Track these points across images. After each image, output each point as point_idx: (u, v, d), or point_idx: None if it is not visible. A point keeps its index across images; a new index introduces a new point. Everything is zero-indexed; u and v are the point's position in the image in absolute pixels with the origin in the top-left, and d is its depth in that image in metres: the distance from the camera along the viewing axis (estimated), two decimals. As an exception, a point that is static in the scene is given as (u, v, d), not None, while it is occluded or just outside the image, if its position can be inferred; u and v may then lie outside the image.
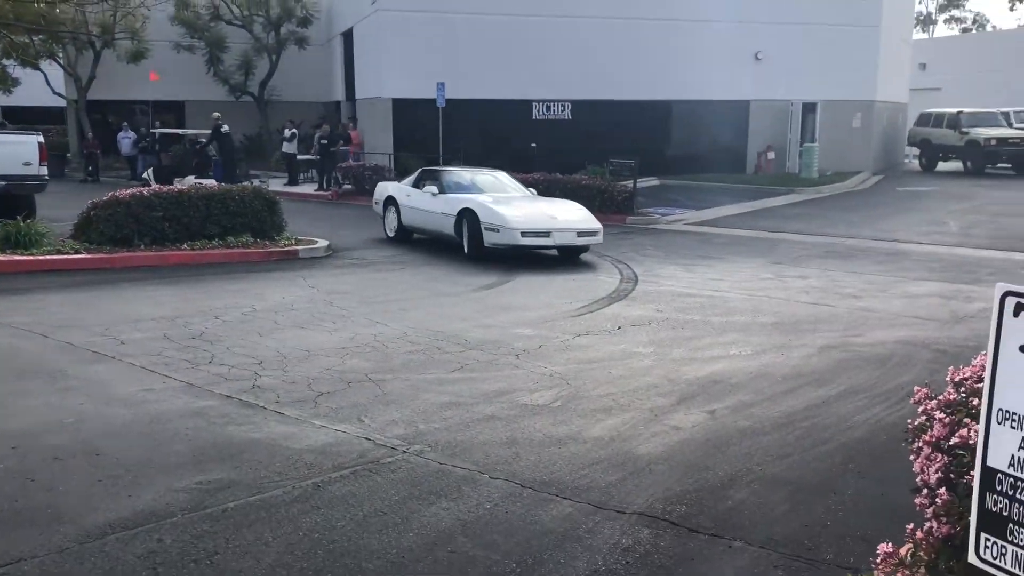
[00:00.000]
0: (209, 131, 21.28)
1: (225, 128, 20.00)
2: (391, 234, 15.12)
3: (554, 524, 4.14)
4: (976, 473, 2.19)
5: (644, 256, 13.78)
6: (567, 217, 13.05)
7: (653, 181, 25.48)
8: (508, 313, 9.28)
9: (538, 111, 26.70)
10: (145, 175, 21.40)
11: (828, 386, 6.71)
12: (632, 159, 20.91)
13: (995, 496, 2.13)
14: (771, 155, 28.42)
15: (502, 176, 15.02)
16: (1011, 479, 2.10)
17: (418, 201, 14.27)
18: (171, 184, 18.22)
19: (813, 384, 6.76)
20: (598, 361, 7.34)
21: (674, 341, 8.18)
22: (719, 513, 4.33)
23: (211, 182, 17.37)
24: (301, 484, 4.47)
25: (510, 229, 12.40)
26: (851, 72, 28.70)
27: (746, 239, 16.24)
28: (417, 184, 14.73)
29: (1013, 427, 2.07)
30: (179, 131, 23.13)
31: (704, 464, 4.99)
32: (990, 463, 2.15)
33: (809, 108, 28.70)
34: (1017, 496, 2.08)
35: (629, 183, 19.53)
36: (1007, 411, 2.08)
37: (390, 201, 15.22)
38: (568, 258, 13.18)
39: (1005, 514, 2.11)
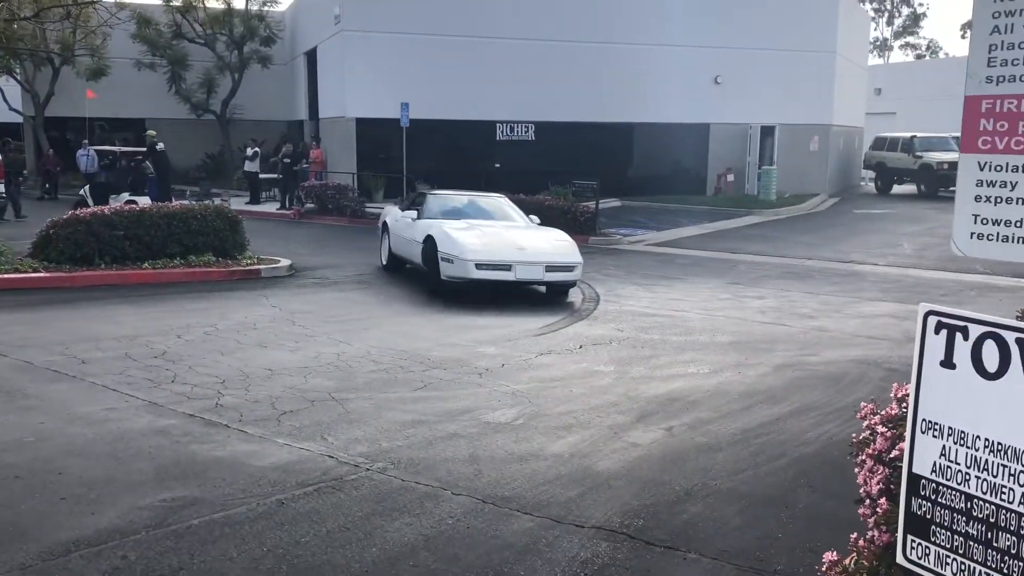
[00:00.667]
0: (144, 149, 21.13)
1: (160, 146, 19.96)
2: (384, 262, 14.00)
3: (514, 538, 4.23)
4: (903, 479, 2.33)
5: (606, 276, 13.96)
6: (539, 248, 11.49)
7: (615, 202, 25.80)
8: (471, 332, 9.37)
9: (502, 132, 26.92)
10: (82, 192, 21.14)
11: (783, 403, 6.88)
12: (594, 180, 21.18)
13: (919, 500, 2.28)
14: (730, 177, 28.92)
15: (502, 202, 13.69)
16: (933, 484, 2.25)
17: (401, 227, 13.16)
18: (106, 201, 18.12)
19: (768, 402, 6.93)
20: (559, 379, 7.46)
21: (634, 360, 8.32)
22: (675, 527, 4.45)
23: (146, 200, 17.28)
24: (265, 501, 4.51)
25: (464, 260, 11.03)
26: (808, 96, 29.37)
27: (705, 260, 16.52)
28: (405, 208, 13.76)
29: (935, 436, 2.21)
30: (113, 148, 22.96)
31: (661, 479, 5.12)
32: (915, 470, 2.30)
33: (767, 131, 29.29)
34: (939, 500, 2.23)
35: (592, 204, 19.77)
36: (929, 421, 2.23)
37: (384, 227, 14.16)
38: (551, 294, 11.86)
39: (928, 517, 2.25)
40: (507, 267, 11.09)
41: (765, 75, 28.68)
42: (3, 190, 19.54)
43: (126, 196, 18.46)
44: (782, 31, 28.77)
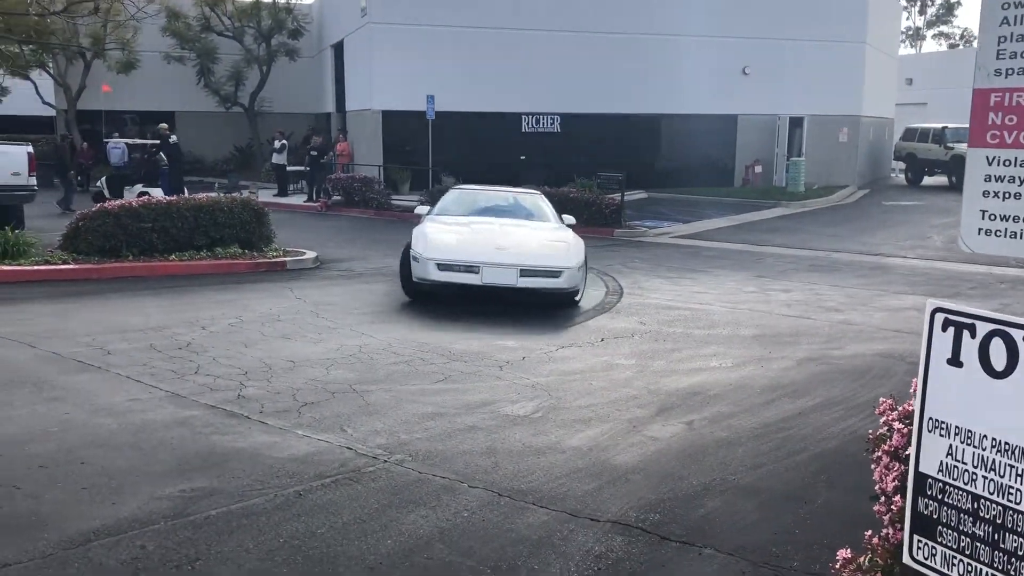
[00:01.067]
0: (157, 141, 21.42)
1: (173, 138, 20.26)
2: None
3: (529, 532, 4.23)
4: (909, 479, 2.30)
5: (630, 269, 13.91)
6: (524, 249, 10.05)
7: (641, 194, 25.67)
8: (493, 325, 9.38)
9: (527, 124, 26.87)
10: (99, 183, 21.50)
11: (805, 398, 6.82)
12: (621, 172, 21.09)
13: (926, 500, 2.25)
14: (758, 169, 28.67)
15: (532, 199, 12.20)
16: (940, 484, 2.21)
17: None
18: (121, 193, 18.45)
19: (790, 396, 6.87)
20: (580, 373, 7.45)
21: (656, 353, 8.29)
22: (691, 521, 4.43)
23: (158, 191, 17.54)
24: (283, 492, 4.55)
25: (425, 260, 9.87)
26: (838, 87, 29.02)
27: (732, 252, 16.40)
28: (422, 202, 13.25)
29: (941, 435, 2.18)
30: (127, 140, 23.34)
31: (679, 474, 5.10)
32: (922, 469, 2.27)
33: (796, 122, 29.00)
34: (945, 500, 2.20)
35: (617, 196, 19.69)
36: (936, 420, 2.20)
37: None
38: (562, 304, 10.39)
39: (935, 517, 2.22)
40: (473, 269, 9.69)
41: (794, 65, 28.39)
42: (35, 182, 19.82)
43: (139, 188, 18.73)
44: (811, 21, 28.44)
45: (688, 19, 27.14)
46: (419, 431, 5.66)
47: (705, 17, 27.29)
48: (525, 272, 9.82)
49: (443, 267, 9.85)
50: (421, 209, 12.26)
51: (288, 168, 25.98)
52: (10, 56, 28.24)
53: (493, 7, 25.80)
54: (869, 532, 3.08)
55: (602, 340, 8.81)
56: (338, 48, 30.35)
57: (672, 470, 5.16)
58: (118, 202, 12.88)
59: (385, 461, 5.08)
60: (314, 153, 24.48)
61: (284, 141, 26.02)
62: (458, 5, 25.44)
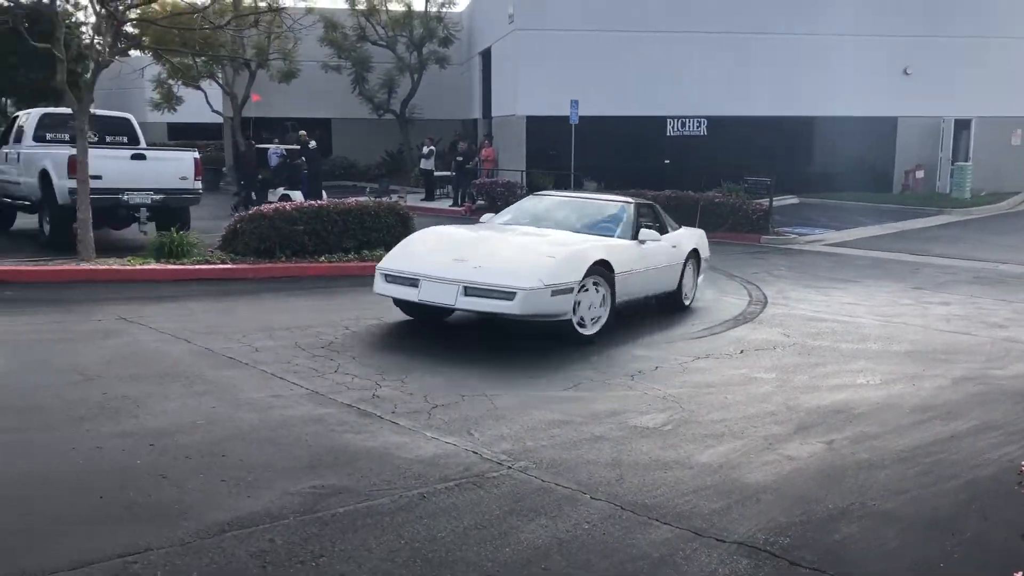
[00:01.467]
0: (296, 146, 22.58)
1: (312, 144, 21.26)
2: None
3: (651, 548, 4.13)
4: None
5: (776, 277, 13.45)
6: (495, 264, 8.21)
7: (791, 200, 24.82)
8: (626, 332, 9.25)
9: (672, 127, 26.48)
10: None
11: (960, 420, 6.38)
12: (769, 177, 20.44)
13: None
14: (919, 174, 27.18)
15: (614, 210, 10.20)
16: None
17: None
18: (266, 197, 19.72)
19: (943, 417, 6.44)
20: (715, 385, 7.24)
21: (798, 367, 7.95)
22: (824, 547, 4.20)
23: (298, 195, 18.46)
24: (407, 494, 4.62)
25: (378, 268, 8.91)
26: (1009, 87, 27.13)
27: (887, 262, 15.59)
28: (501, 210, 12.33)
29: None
30: (268, 146, 24.80)
31: (814, 496, 4.85)
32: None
33: (962, 125, 27.30)
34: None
35: (765, 201, 19.11)
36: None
37: None
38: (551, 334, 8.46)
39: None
40: (414, 282, 8.36)
41: (960, 65, 26.74)
42: (200, 186, 21.15)
43: (281, 191, 19.77)
44: (979, 15, 26.73)
45: (843, 18, 26.04)
46: (544, 438, 5.63)
47: (863, 14, 26.10)
48: (471, 290, 7.99)
49: (389, 278, 8.65)
50: (486, 217, 11.03)
51: (435, 173, 26.62)
52: (183, 68, 30.24)
53: (637, 11, 25.58)
54: (1019, 573, 2.82)
55: (741, 352, 8.53)
56: (486, 55, 30.86)
57: (807, 492, 4.92)
58: (272, 205, 13.53)
59: (509, 467, 5.08)
60: (460, 159, 24.98)
61: (432, 147, 26.68)
62: (602, 10, 25.37)
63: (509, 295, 7.86)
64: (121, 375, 6.72)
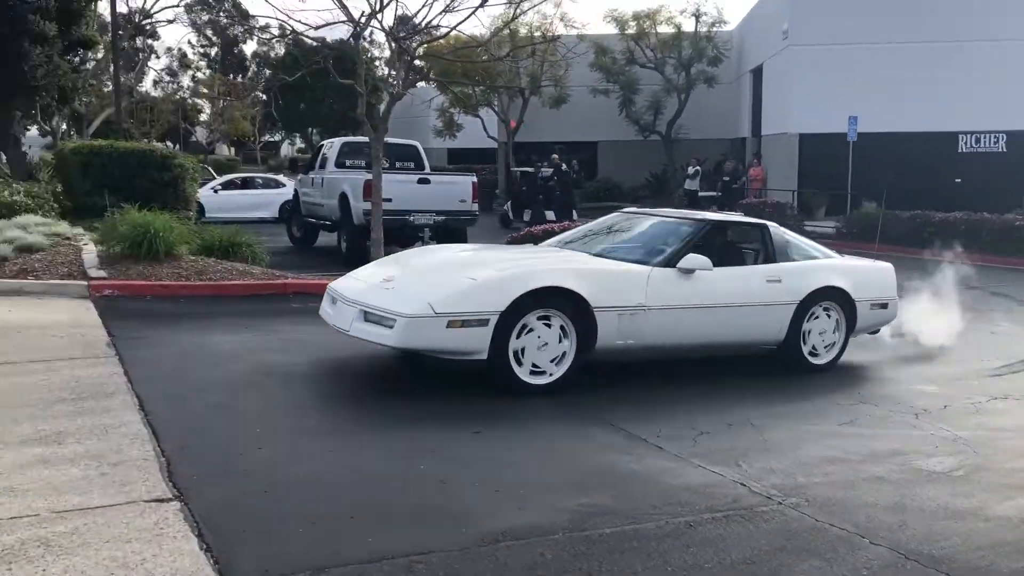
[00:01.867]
0: (550, 168, 23.85)
1: (564, 167, 22.07)
2: None
3: (938, 604, 3.83)
4: None
5: (1090, 311, 11.95)
6: (411, 286, 7.00)
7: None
8: (911, 366, 8.62)
9: (964, 144, 24.37)
10: (505, 207, 24.86)
11: None
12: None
13: None
14: None
15: (673, 227, 8.15)
16: None
17: None
18: (522, 215, 21.49)
19: None
20: (1016, 430, 6.57)
21: (1118, 414, 7.02)
22: None
23: (551, 215, 19.42)
24: (674, 520, 4.61)
25: (328, 290, 7.74)
26: None
27: None
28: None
29: None
30: (526, 169, 26.38)
31: None
32: None
33: None
34: None
35: (1076, 225, 17.03)
36: None
37: None
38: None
39: None
40: (332, 301, 7.40)
41: None
42: (476, 208, 22.57)
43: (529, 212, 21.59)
44: None
45: None
46: (818, 475, 5.39)
47: None
48: (370, 316, 6.74)
49: (329, 299, 7.52)
50: (551, 239, 9.42)
51: (700, 193, 26.31)
52: (464, 97, 32.22)
53: (922, 21, 23.88)
54: None
55: (1046, 393, 7.67)
56: (756, 72, 30.13)
57: None
58: (542, 227, 14.06)
59: (780, 503, 4.91)
60: (727, 179, 24.53)
61: (698, 167, 26.41)
62: (883, 22, 23.93)
63: (389, 323, 6.53)
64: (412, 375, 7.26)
